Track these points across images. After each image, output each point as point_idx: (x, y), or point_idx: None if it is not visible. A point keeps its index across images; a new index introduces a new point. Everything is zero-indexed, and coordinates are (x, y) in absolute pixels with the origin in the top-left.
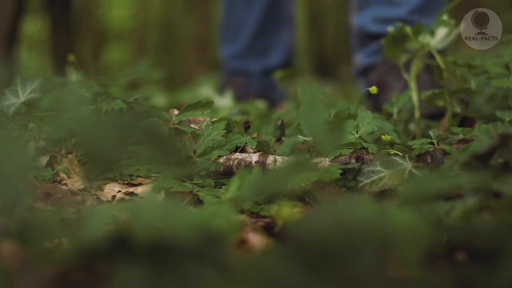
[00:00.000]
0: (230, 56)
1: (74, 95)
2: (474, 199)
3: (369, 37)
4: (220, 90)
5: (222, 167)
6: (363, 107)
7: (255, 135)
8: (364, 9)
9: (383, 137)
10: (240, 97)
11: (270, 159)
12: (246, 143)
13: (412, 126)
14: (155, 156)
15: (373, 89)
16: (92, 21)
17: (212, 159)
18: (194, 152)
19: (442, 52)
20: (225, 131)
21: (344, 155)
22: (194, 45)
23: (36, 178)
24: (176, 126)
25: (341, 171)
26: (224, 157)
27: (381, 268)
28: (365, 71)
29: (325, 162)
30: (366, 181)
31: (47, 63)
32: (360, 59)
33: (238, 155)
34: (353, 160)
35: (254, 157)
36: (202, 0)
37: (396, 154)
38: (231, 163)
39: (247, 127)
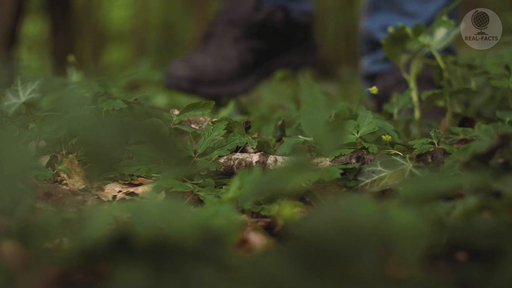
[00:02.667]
0: None
1: (75, 96)
2: (475, 199)
3: (377, 44)
4: (215, 26)
5: (222, 167)
6: (364, 107)
7: (255, 135)
8: (374, 14)
9: (383, 137)
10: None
11: (271, 159)
12: (247, 143)
13: (412, 126)
14: (156, 156)
15: (373, 90)
16: (92, 21)
17: (213, 159)
18: (195, 152)
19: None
20: (225, 131)
21: (344, 155)
22: (194, 45)
23: (37, 178)
24: (176, 126)
25: (341, 171)
26: (225, 157)
27: (382, 267)
28: (371, 77)
29: (326, 162)
30: (367, 181)
31: (47, 64)
32: (367, 63)
33: (238, 155)
34: (353, 160)
35: (255, 157)
36: (202, 0)
37: (396, 154)
38: (232, 163)
39: (247, 127)
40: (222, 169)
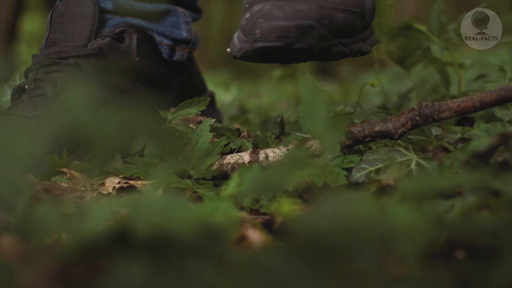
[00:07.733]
0: None
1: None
2: (474, 197)
3: None
4: None
5: (217, 173)
6: (361, 104)
7: (244, 133)
8: None
9: None
10: None
11: (262, 155)
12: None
13: None
14: (161, 153)
15: (373, 83)
16: None
17: (205, 168)
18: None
19: None
20: (211, 136)
21: None
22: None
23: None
24: (171, 125)
25: (346, 173)
26: (217, 163)
27: (381, 264)
28: None
29: (315, 145)
30: (362, 172)
31: None
32: None
33: (230, 159)
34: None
35: (246, 158)
36: (202, 0)
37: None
38: (225, 168)
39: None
40: (217, 175)
